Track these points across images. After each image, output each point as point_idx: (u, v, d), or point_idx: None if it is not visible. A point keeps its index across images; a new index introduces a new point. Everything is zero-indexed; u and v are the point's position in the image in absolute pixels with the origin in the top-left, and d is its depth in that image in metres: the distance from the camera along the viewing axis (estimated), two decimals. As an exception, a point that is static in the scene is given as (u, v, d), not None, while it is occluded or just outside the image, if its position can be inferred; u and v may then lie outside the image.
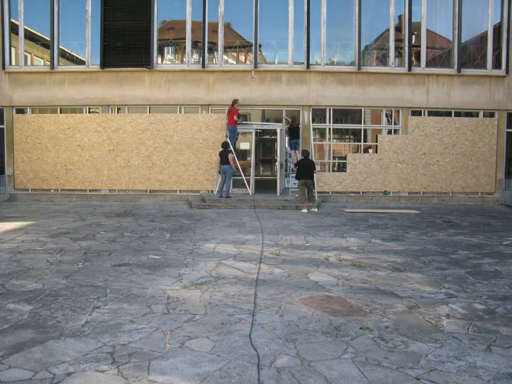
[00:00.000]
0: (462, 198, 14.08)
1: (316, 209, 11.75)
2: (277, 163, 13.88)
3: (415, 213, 11.67)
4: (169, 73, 14.02)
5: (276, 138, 14.43)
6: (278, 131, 13.68)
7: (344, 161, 14.31)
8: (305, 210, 11.57)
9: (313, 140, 14.19)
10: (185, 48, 14.12)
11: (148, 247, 7.16)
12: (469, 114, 14.42)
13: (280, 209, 11.94)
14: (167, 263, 6.10)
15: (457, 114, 14.35)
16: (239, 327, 3.89)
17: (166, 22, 14.57)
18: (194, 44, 14.20)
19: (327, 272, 5.73)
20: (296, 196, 12.57)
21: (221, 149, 12.62)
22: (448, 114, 14.30)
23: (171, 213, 11.19)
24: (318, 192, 13.83)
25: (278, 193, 13.43)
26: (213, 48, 14.20)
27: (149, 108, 14.19)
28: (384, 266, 6.04)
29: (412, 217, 10.93)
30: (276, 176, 14.08)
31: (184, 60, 14.25)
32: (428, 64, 14.26)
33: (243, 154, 20.48)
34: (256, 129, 15.07)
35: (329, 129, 14.27)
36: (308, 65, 13.90)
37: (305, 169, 11.61)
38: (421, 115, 14.26)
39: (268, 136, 23.64)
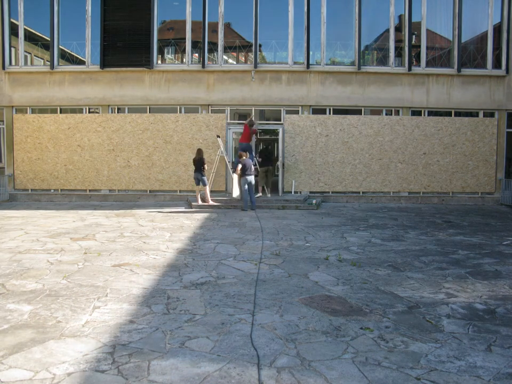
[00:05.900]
0: (462, 198, 14.07)
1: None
2: (278, 163, 13.89)
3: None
4: (169, 73, 14.01)
5: (277, 138, 14.43)
6: (280, 131, 13.69)
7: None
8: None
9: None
10: (185, 48, 14.11)
11: (148, 247, 7.16)
12: (469, 114, 14.41)
13: (280, 209, 11.94)
14: (167, 263, 6.10)
15: (457, 114, 14.33)
16: (239, 327, 3.89)
17: (166, 22, 14.56)
18: (194, 44, 14.19)
19: (327, 272, 5.73)
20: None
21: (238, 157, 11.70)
22: (448, 114, 14.29)
23: (171, 213, 11.19)
24: (318, 192, 13.82)
25: (279, 194, 13.42)
26: (213, 48, 14.18)
27: (149, 108, 14.17)
28: (384, 266, 6.04)
29: (412, 217, 10.93)
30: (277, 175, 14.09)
31: (184, 59, 14.25)
32: (428, 64, 14.25)
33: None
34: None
35: (329, 129, 14.25)
36: (308, 65, 13.90)
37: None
38: (421, 115, 14.25)
39: (267, 136, 23.64)
